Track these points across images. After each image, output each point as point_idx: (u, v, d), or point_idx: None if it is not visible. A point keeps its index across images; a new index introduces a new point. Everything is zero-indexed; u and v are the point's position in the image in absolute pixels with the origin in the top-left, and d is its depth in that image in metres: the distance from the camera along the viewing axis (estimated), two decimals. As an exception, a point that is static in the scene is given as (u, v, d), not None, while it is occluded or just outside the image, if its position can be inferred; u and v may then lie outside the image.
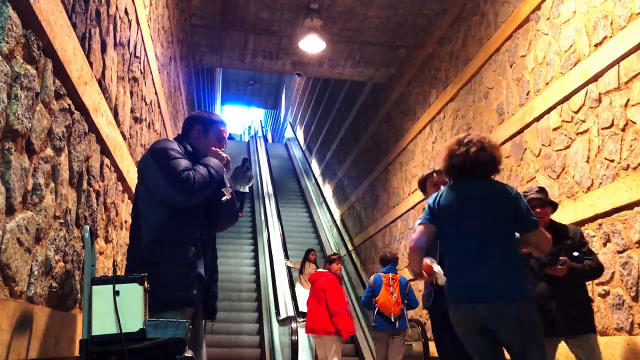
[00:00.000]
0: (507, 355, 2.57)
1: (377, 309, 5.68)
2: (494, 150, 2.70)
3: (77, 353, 2.07)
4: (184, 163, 2.45)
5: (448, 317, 2.70)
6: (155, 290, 2.24)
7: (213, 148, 2.65)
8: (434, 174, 3.54)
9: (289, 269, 8.87)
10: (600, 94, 3.68)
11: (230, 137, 28.53)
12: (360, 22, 7.28)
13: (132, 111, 3.56)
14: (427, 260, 2.77)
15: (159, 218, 2.42)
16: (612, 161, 3.52)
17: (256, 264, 10.44)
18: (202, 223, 2.55)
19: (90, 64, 2.47)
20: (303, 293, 7.90)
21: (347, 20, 7.25)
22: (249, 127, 29.60)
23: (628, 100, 3.40)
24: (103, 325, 1.93)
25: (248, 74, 24.93)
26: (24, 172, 1.78)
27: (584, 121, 3.84)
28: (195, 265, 2.46)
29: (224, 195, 2.64)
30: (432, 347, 6.05)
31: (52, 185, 2.07)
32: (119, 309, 1.94)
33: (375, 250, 9.07)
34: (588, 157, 3.76)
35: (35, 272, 1.93)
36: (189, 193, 2.40)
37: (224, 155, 2.68)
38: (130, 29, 3.40)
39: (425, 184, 3.59)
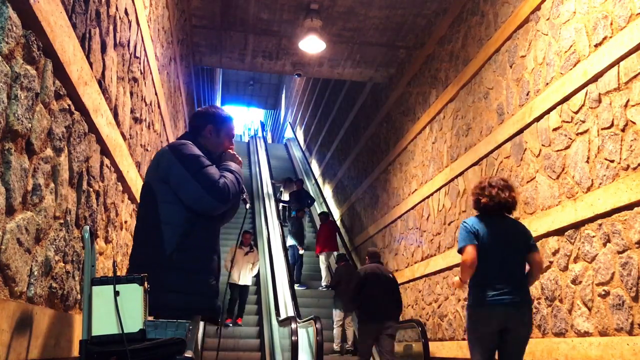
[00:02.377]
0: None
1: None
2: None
3: (76, 353, 2.07)
4: (215, 171, 2.43)
5: None
6: (181, 298, 2.28)
7: (230, 151, 2.62)
8: None
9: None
10: (600, 94, 3.68)
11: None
12: (360, 23, 7.28)
13: (132, 111, 3.56)
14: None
15: (184, 223, 2.38)
16: (612, 161, 3.52)
17: (256, 264, 10.42)
18: (218, 230, 2.57)
19: (90, 64, 2.47)
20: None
21: (347, 21, 7.25)
22: (251, 121, 29.57)
23: (628, 101, 3.40)
24: (103, 325, 1.93)
25: (248, 75, 24.94)
26: (23, 172, 1.78)
27: (583, 121, 3.84)
28: (218, 276, 2.50)
29: (247, 202, 2.64)
30: (432, 347, 6.07)
31: (52, 185, 2.07)
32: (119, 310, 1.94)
33: (375, 251, 9.06)
34: (588, 158, 3.76)
35: (35, 273, 1.93)
36: (225, 201, 2.40)
37: (240, 158, 2.66)
38: (130, 29, 3.40)
39: None
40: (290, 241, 10.40)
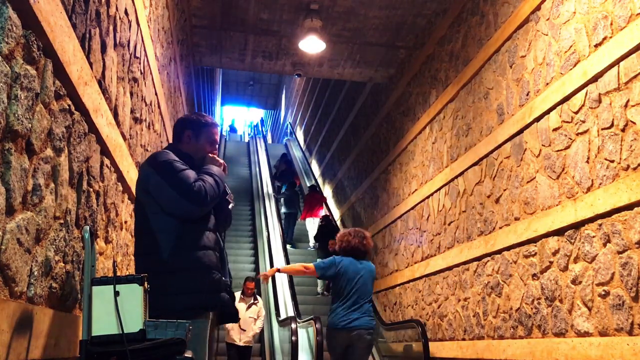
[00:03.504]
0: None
1: None
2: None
3: (77, 354, 2.07)
4: (191, 174, 2.47)
5: None
6: (185, 297, 2.32)
7: (211, 155, 2.68)
8: None
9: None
10: (600, 94, 3.68)
11: (233, 130, 28.58)
12: (360, 23, 7.28)
13: (132, 112, 3.56)
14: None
15: (174, 229, 2.45)
16: (612, 161, 3.52)
17: (256, 264, 10.44)
18: (213, 229, 2.60)
19: (90, 64, 2.47)
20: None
21: (347, 21, 7.25)
22: (251, 122, 29.72)
23: (628, 101, 3.40)
24: (103, 325, 1.93)
25: (248, 75, 24.96)
26: (24, 172, 1.78)
27: (583, 121, 3.84)
28: (220, 269, 2.53)
29: (230, 202, 2.72)
30: (433, 348, 6.07)
31: (52, 185, 2.07)
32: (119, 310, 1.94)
33: (375, 251, 9.07)
34: (588, 158, 3.76)
35: (35, 273, 1.93)
36: (202, 204, 2.44)
37: (221, 161, 2.71)
38: (130, 29, 3.40)
39: None
40: (284, 209, 12.31)
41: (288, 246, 10.72)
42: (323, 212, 11.80)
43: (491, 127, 5.22)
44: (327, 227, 10.32)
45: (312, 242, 11.39)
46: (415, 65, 7.58)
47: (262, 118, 28.93)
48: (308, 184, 15.05)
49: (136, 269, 2.56)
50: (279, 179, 13.84)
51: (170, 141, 2.99)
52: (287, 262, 9.18)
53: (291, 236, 11.94)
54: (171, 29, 5.65)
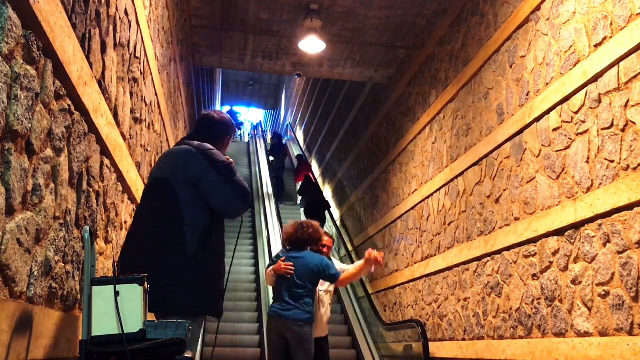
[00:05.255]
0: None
1: None
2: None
3: (77, 354, 2.07)
4: (243, 178, 2.67)
5: None
6: (198, 297, 2.43)
7: (231, 161, 2.83)
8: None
9: None
10: (600, 94, 3.68)
11: (239, 123, 28.82)
12: (360, 23, 7.28)
13: (132, 112, 3.56)
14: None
15: (204, 226, 2.52)
16: (612, 162, 3.52)
17: (256, 265, 10.44)
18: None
19: (90, 64, 2.47)
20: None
21: (347, 21, 7.25)
22: (254, 123, 29.82)
23: (628, 101, 3.40)
24: (103, 325, 1.93)
25: (248, 75, 24.95)
26: (23, 172, 1.78)
27: (583, 122, 3.84)
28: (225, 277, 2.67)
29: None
30: (433, 348, 6.07)
31: (52, 185, 2.07)
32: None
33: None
34: (588, 158, 3.77)
35: (35, 273, 1.93)
36: (249, 206, 2.67)
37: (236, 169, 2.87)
38: (130, 29, 3.40)
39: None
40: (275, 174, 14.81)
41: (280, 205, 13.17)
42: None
43: (491, 127, 5.22)
44: (307, 183, 13.30)
45: (299, 198, 13.76)
46: (415, 65, 7.58)
47: (260, 121, 29.08)
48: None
49: (147, 257, 2.49)
50: (272, 153, 16.14)
51: (171, 141, 3.01)
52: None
53: (280, 197, 14.49)
54: (171, 29, 5.65)
